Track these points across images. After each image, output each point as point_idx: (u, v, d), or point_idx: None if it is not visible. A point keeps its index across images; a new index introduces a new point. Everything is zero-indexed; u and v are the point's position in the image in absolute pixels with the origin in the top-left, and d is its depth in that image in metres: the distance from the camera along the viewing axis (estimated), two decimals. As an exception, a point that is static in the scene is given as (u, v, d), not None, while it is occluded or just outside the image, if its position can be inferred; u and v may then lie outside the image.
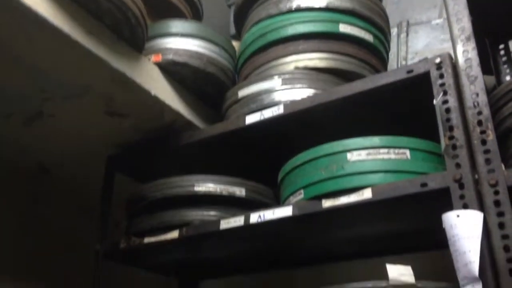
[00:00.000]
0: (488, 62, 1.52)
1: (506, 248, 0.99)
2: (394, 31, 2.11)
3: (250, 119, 1.49)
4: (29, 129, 1.59)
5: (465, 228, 1.02)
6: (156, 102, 1.49)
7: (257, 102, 1.51)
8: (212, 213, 1.49)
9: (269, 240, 1.54)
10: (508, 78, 1.50)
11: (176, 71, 1.55)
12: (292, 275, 1.76)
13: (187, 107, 1.61)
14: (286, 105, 1.44)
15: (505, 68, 1.53)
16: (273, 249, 1.66)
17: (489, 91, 1.18)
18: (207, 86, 1.64)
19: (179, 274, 1.93)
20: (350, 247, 1.59)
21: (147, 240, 1.52)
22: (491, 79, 1.53)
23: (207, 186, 1.50)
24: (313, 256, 1.69)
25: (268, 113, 1.46)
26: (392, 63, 1.84)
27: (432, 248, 1.46)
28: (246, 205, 1.49)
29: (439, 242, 1.36)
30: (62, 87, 1.39)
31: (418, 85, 1.25)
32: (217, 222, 1.42)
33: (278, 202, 1.47)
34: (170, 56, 1.53)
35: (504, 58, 1.53)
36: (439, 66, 1.20)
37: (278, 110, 1.45)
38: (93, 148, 1.71)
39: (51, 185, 1.90)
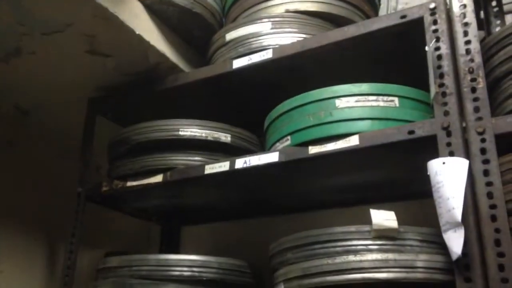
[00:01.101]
0: (479, 15, 1.50)
1: (489, 195, 1.00)
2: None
3: (238, 63, 1.45)
4: (6, 66, 1.52)
5: (450, 175, 1.03)
6: (141, 42, 1.43)
7: (245, 46, 1.47)
8: (197, 158, 1.48)
9: (253, 187, 1.54)
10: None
11: (162, 10, 1.49)
12: (273, 222, 1.77)
13: (173, 49, 1.56)
14: (275, 49, 1.40)
15: (495, 20, 1.51)
16: (257, 197, 1.66)
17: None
18: (193, 28, 1.59)
19: (161, 219, 1.94)
20: (335, 195, 1.60)
21: (130, 183, 1.50)
22: (481, 34, 1.52)
23: (192, 130, 1.47)
24: (296, 204, 1.70)
25: (256, 58, 1.43)
26: (382, 13, 1.80)
27: (415, 197, 1.49)
28: (231, 152, 1.48)
29: (422, 192, 1.39)
30: (42, 21, 1.32)
31: (411, 32, 1.23)
32: (202, 167, 1.41)
33: (263, 150, 1.46)
34: (156, -6, 1.47)
35: (495, 9, 1.50)
36: (433, 12, 1.18)
37: (266, 55, 1.41)
38: (75, 89, 1.66)
39: (30, 128, 1.85)
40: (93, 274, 1.56)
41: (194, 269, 1.39)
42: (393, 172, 1.38)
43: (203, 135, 1.47)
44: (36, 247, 1.84)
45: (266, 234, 1.38)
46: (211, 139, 1.48)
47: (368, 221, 1.11)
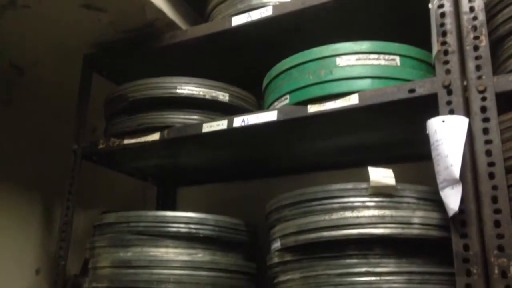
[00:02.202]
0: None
1: (488, 153, 1.00)
2: None
3: (236, 20, 1.42)
4: (1, 21, 1.49)
5: (449, 133, 1.03)
6: (137, -4, 1.40)
7: (244, 2, 1.44)
8: (194, 116, 1.47)
9: (251, 147, 1.54)
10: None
11: (159, -36, 1.46)
12: (270, 183, 1.78)
13: (170, 5, 1.52)
14: (275, 6, 1.38)
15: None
16: (254, 157, 1.66)
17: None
18: (191, -17, 1.55)
19: (157, 180, 1.94)
20: (333, 157, 1.60)
21: (127, 141, 1.49)
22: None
23: (189, 88, 1.46)
24: (294, 165, 1.70)
25: (255, 15, 1.40)
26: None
27: (412, 160, 1.49)
28: (228, 111, 1.47)
29: (420, 154, 1.39)
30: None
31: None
32: (200, 125, 1.40)
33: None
34: None
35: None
36: (437, -31, 1.15)
37: (266, 12, 1.39)
38: (70, 46, 1.63)
39: (26, 86, 1.83)
40: (89, 232, 1.57)
41: (191, 226, 1.39)
42: (392, 133, 1.37)
43: (201, 93, 1.46)
44: (32, 205, 1.84)
45: (262, 196, 1.39)
46: (209, 97, 1.47)
47: (366, 181, 1.11)
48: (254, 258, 1.52)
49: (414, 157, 1.46)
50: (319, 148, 1.53)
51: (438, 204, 1.06)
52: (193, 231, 1.39)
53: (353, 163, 1.59)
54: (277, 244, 1.22)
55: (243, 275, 1.44)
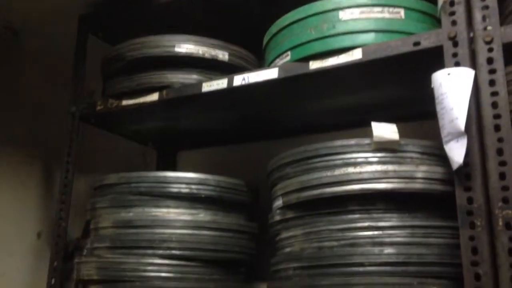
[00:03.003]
0: None
1: (494, 105, 0.98)
2: None
3: (235, -24, 1.38)
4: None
5: (454, 86, 1.01)
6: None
7: (244, -44, 1.40)
8: (194, 76, 1.44)
9: (252, 107, 1.51)
10: None
11: None
12: (271, 145, 1.76)
13: (167, -39, 1.48)
14: (275, -41, 1.34)
15: None
16: (254, 119, 1.64)
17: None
18: None
19: (157, 144, 1.92)
20: (335, 117, 1.58)
21: (125, 102, 1.47)
22: None
23: (188, 47, 1.43)
24: (296, 127, 1.68)
25: (255, -31, 1.36)
26: None
27: (415, 118, 1.47)
28: (228, 71, 1.44)
29: (423, 113, 1.37)
30: None
31: None
32: (199, 85, 1.38)
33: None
34: None
35: None
36: None
37: (266, -34, 1.35)
38: (65, 6, 1.59)
39: (21, 49, 1.79)
40: (90, 194, 1.56)
41: (192, 186, 1.39)
42: (396, 90, 1.35)
43: (200, 52, 1.43)
44: (31, 170, 1.83)
45: (264, 158, 1.37)
46: (208, 56, 1.44)
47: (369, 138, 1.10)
48: (255, 218, 1.52)
49: (418, 115, 1.44)
50: (321, 108, 1.51)
51: (442, 158, 1.05)
52: (195, 191, 1.39)
53: (356, 123, 1.56)
54: (279, 202, 1.22)
55: (244, 234, 1.44)
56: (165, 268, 1.31)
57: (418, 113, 1.44)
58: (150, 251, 1.32)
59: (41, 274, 1.65)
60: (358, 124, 1.57)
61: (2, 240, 1.74)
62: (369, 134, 1.10)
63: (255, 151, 1.80)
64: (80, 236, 1.81)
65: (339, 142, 1.13)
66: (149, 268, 1.31)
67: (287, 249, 1.17)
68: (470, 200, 0.96)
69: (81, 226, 1.84)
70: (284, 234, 1.19)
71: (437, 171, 1.06)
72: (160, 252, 1.32)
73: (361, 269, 1.02)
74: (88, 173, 1.96)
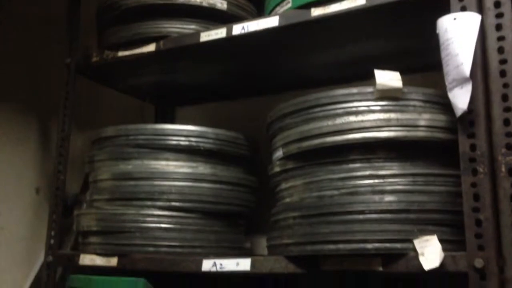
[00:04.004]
0: None
1: (500, 50, 0.96)
2: None
3: None
4: None
5: (460, 31, 0.98)
6: None
7: None
8: (191, 26, 1.40)
9: (251, 60, 1.48)
10: None
11: None
12: (271, 100, 1.73)
13: None
14: None
15: None
16: (254, 73, 1.61)
17: None
18: None
19: (155, 99, 1.90)
20: (336, 71, 1.54)
21: (121, 53, 1.44)
22: None
23: (185, -5, 1.38)
24: (296, 81, 1.65)
25: None
26: None
27: (417, 71, 1.44)
28: (227, 20, 1.40)
29: (425, 64, 1.35)
30: None
31: None
32: (197, 34, 1.34)
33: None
34: None
35: None
36: None
37: None
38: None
39: (13, 4, 1.74)
40: (88, 149, 1.55)
41: (191, 139, 1.37)
42: (399, 39, 1.32)
43: (198, 0, 1.39)
44: (28, 125, 1.81)
45: (264, 113, 1.35)
46: (206, 5, 1.39)
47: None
48: (255, 172, 1.51)
49: (422, 68, 1.41)
50: (323, 60, 1.48)
51: (445, 107, 1.03)
52: (194, 144, 1.37)
53: (359, 77, 1.53)
54: (279, 153, 1.20)
55: (243, 188, 1.44)
56: (164, 219, 1.31)
57: (421, 65, 1.41)
58: (149, 203, 1.32)
59: (40, 229, 1.66)
60: (361, 78, 1.54)
61: (1, 195, 1.74)
62: (372, 86, 1.08)
63: (255, 106, 1.78)
64: (79, 192, 1.81)
65: (340, 91, 1.10)
66: (149, 219, 1.31)
67: (287, 200, 1.17)
68: (473, 147, 0.95)
69: (79, 183, 1.84)
70: (284, 185, 1.19)
71: (440, 119, 1.04)
72: (160, 203, 1.32)
73: (361, 216, 1.01)
74: (85, 131, 1.94)
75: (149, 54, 1.40)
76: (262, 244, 1.56)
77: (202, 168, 1.37)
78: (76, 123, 1.66)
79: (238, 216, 1.44)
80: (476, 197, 0.93)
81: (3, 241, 1.72)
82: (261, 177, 1.48)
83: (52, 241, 1.44)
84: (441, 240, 0.96)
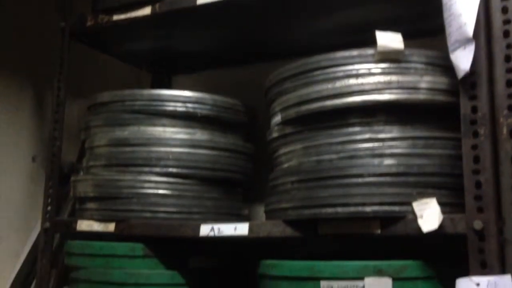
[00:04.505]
0: None
1: (504, 10, 0.94)
2: None
3: None
4: None
5: (464, -10, 0.95)
6: None
7: None
8: (188, -11, 1.37)
9: (249, 24, 1.45)
10: None
11: None
12: (268, 68, 1.70)
13: None
14: None
15: None
16: (252, 39, 1.58)
17: None
18: None
19: (151, 67, 1.87)
20: (335, 37, 1.51)
21: (116, 17, 1.41)
22: None
23: (182, -44, 1.34)
24: (293, 48, 1.61)
25: None
26: None
27: (414, 37, 1.41)
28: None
29: (423, 31, 1.32)
30: None
31: None
32: (194, -3, 1.31)
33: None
34: None
35: None
36: None
37: None
38: None
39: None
40: (84, 115, 1.53)
41: (188, 105, 1.36)
42: (399, 4, 1.29)
43: (195, -38, 1.35)
44: (23, 92, 1.78)
45: (261, 81, 1.33)
46: (203, -33, 1.36)
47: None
48: (253, 140, 1.50)
49: (415, 34, 1.38)
50: (323, 26, 1.45)
51: (447, 69, 1.01)
52: (191, 110, 1.36)
53: (358, 43, 1.50)
54: (277, 118, 1.19)
55: (241, 155, 1.43)
56: (162, 185, 1.31)
57: (421, 31, 1.38)
58: (146, 169, 1.31)
59: (38, 197, 1.65)
60: (361, 45, 1.51)
61: (-2, 164, 1.73)
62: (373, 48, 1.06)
63: (252, 74, 1.75)
64: (76, 160, 1.80)
65: (341, 53, 1.08)
66: (146, 185, 1.30)
67: (285, 165, 1.16)
68: (474, 109, 0.94)
69: (76, 151, 1.83)
70: (283, 150, 1.18)
71: (442, 81, 1.03)
72: (157, 170, 1.31)
73: (360, 180, 1.01)
74: (82, 99, 1.92)
75: (144, 17, 1.37)
76: (260, 212, 1.56)
77: (200, 135, 1.36)
78: (72, 91, 1.63)
79: (235, 183, 1.43)
80: (476, 159, 0.92)
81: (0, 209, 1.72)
82: (259, 145, 1.47)
83: (49, 208, 1.43)
84: (440, 203, 0.96)
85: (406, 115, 1.03)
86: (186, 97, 1.36)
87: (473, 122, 0.94)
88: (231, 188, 1.42)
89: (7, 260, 1.76)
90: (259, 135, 1.43)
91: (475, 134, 0.93)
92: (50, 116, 1.59)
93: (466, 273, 0.89)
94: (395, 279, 0.96)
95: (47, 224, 1.43)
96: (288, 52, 1.65)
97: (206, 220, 1.28)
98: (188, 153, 1.33)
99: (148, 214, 1.29)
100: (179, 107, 1.35)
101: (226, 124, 1.41)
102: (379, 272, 0.97)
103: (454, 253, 1.00)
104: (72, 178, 1.42)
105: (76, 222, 1.35)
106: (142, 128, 1.34)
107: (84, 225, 1.33)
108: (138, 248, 1.26)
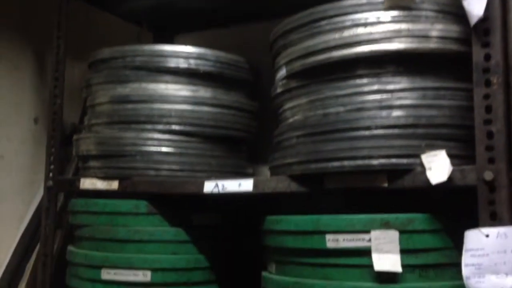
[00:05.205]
0: None
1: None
2: None
3: None
4: None
5: None
6: None
7: None
8: None
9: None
10: None
11: None
12: (273, 26, 1.66)
13: None
14: None
15: None
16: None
17: None
18: None
19: (153, 25, 1.82)
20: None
21: (116, -29, 1.36)
22: None
23: None
24: (299, 6, 1.57)
25: None
26: None
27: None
28: None
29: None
30: None
31: None
32: None
33: None
34: None
35: None
36: None
37: None
38: None
39: None
40: (84, 74, 1.50)
41: (191, 61, 1.32)
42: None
43: None
44: (24, 53, 1.75)
45: (264, 40, 1.28)
46: None
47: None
48: (257, 98, 1.47)
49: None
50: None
51: (459, 17, 0.97)
52: (193, 66, 1.32)
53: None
54: (282, 72, 1.16)
55: (245, 113, 1.41)
56: (165, 143, 1.29)
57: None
58: (149, 126, 1.29)
59: (41, 160, 1.64)
60: None
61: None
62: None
63: (256, 32, 1.70)
64: (78, 121, 1.78)
65: (349, 2, 1.04)
66: (149, 142, 1.28)
67: (290, 120, 1.14)
68: (487, 57, 0.90)
69: (78, 113, 1.81)
70: (288, 105, 1.15)
71: (453, 29, 0.99)
72: (160, 127, 1.29)
73: (367, 132, 0.98)
74: (82, 61, 1.89)
75: (144, -29, 1.33)
76: (264, 172, 1.54)
77: (203, 92, 1.33)
78: (73, 53, 1.60)
79: (239, 141, 1.41)
80: (488, 109, 0.89)
81: (2, 170, 1.71)
82: (264, 104, 1.44)
83: (51, 167, 1.42)
84: (449, 155, 0.93)
85: (416, 65, 1.00)
86: (188, 52, 1.32)
87: (486, 71, 0.90)
88: (235, 147, 1.40)
89: (12, 222, 1.76)
90: (263, 95, 1.40)
91: (488, 83, 0.90)
92: (49, 69, 1.56)
93: (474, 226, 0.87)
94: (402, 232, 0.94)
95: (50, 183, 1.42)
96: (293, 10, 1.60)
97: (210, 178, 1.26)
98: (191, 111, 1.30)
99: (151, 172, 1.27)
100: (181, 63, 1.31)
101: (229, 81, 1.38)
102: (386, 225, 0.95)
103: (462, 207, 0.98)
104: (75, 137, 1.40)
105: (79, 181, 1.34)
106: (144, 84, 1.31)
107: (87, 183, 1.32)
108: (142, 205, 1.25)
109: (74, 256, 1.31)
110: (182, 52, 1.32)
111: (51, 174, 1.42)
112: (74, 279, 1.31)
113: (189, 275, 1.24)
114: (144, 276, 1.21)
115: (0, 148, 1.69)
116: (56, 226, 1.51)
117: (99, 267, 1.23)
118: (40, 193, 1.77)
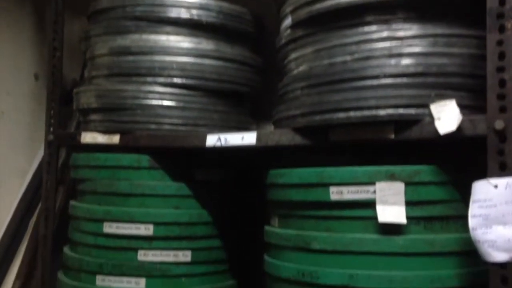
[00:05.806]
0: None
1: None
2: None
3: None
4: None
5: None
6: None
7: None
8: None
9: None
10: None
11: None
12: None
13: None
14: None
15: None
16: None
17: None
18: None
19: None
20: None
21: None
22: None
23: None
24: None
25: None
26: None
27: None
28: None
29: None
30: None
31: None
32: None
33: None
34: None
35: None
36: None
37: None
38: None
39: None
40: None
41: (193, 11, 1.28)
42: None
43: None
44: (23, 9, 1.72)
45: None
46: None
47: None
48: (261, 53, 1.43)
49: None
50: None
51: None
52: (195, 17, 1.28)
53: None
54: (287, 21, 1.12)
55: (249, 67, 1.37)
56: (167, 96, 1.26)
57: None
58: (150, 79, 1.26)
59: (42, 117, 1.62)
60: None
61: (1, 82, 1.68)
62: None
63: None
64: (79, 77, 1.75)
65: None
66: (150, 96, 1.26)
67: (295, 71, 1.10)
68: (502, 1, 0.86)
69: (79, 71, 1.78)
70: (293, 55, 1.11)
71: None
72: (161, 80, 1.26)
73: (375, 82, 0.95)
74: (82, 17, 1.85)
75: None
76: (268, 129, 1.52)
77: (205, 44, 1.29)
78: (72, 9, 1.56)
79: (243, 96, 1.38)
80: (502, 56, 0.85)
81: (3, 126, 1.70)
82: (268, 60, 1.41)
83: (52, 121, 1.40)
84: (459, 106, 0.90)
85: (427, 11, 0.95)
86: (190, 2, 1.28)
87: (500, 16, 0.86)
88: (238, 102, 1.37)
89: (15, 179, 1.76)
90: (267, 51, 1.36)
91: (502, 29, 0.86)
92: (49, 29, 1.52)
93: (481, 179, 0.84)
94: (407, 184, 0.92)
95: (51, 137, 1.40)
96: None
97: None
98: (193, 63, 1.27)
99: (153, 126, 1.25)
100: (183, 14, 1.27)
101: (232, 34, 1.34)
102: (391, 177, 0.93)
103: (469, 159, 0.96)
104: (75, 90, 1.37)
105: (80, 135, 1.32)
106: (144, 36, 1.28)
107: (88, 137, 1.30)
108: (144, 159, 1.24)
109: (76, 210, 1.30)
110: (183, 2, 1.28)
111: (51, 128, 1.40)
112: (76, 233, 1.30)
113: (192, 230, 1.23)
114: (146, 229, 1.20)
115: (0, 104, 1.68)
116: (58, 182, 1.51)
117: (101, 221, 1.23)
118: (42, 151, 1.77)
